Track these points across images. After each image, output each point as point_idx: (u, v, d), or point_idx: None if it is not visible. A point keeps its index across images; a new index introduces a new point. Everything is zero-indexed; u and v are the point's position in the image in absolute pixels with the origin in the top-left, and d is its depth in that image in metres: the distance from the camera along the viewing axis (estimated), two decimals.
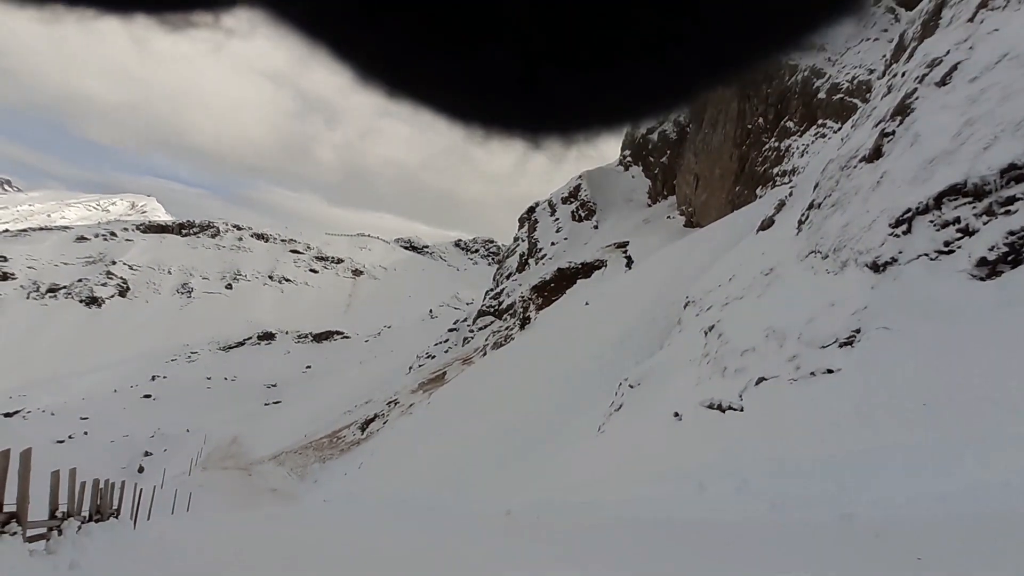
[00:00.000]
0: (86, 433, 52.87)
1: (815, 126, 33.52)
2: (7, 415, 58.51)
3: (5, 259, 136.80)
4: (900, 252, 8.11)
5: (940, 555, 3.90)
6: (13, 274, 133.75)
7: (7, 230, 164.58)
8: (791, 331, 9.22)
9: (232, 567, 7.01)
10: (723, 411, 9.65)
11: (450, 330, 67.09)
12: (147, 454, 46.84)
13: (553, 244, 58.26)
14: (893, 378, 6.90)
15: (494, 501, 12.62)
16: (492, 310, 59.32)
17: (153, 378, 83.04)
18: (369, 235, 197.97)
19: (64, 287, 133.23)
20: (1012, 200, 6.97)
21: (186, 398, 70.77)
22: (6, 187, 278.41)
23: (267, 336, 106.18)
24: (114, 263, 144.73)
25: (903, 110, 9.59)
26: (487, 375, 31.57)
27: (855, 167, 10.53)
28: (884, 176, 9.27)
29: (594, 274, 47.31)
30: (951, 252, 7.49)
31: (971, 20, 9.24)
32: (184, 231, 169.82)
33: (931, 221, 7.84)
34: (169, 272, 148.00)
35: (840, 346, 8.05)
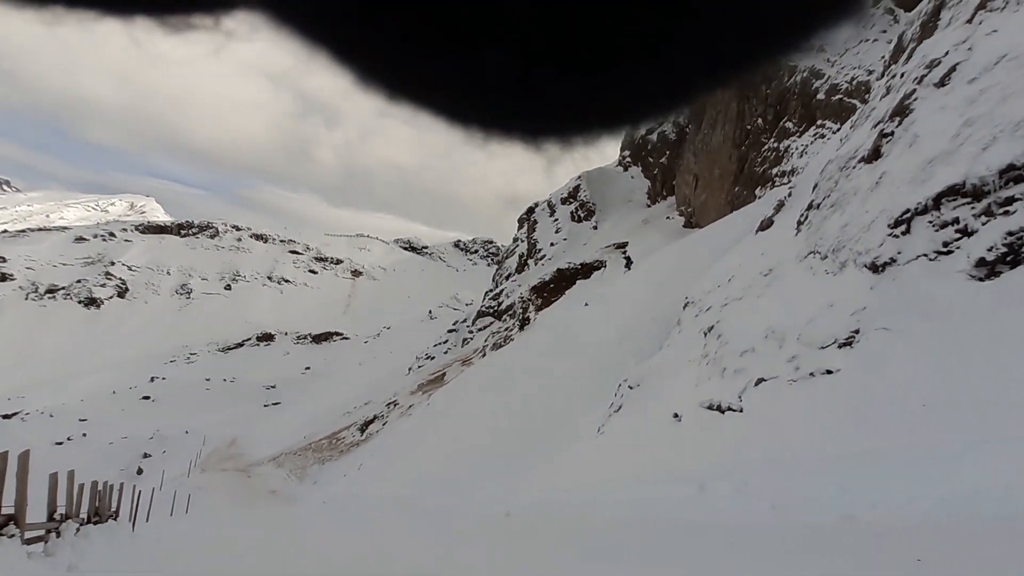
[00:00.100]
0: (84, 435, 52.79)
1: (814, 127, 33.56)
2: (5, 416, 58.40)
3: (4, 260, 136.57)
4: (899, 253, 8.11)
5: (940, 557, 3.89)
6: (12, 275, 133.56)
7: (6, 231, 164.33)
8: (790, 332, 9.22)
9: (231, 569, 6.99)
10: (722, 412, 9.64)
11: (449, 331, 67.08)
12: (146, 456, 46.76)
13: (552, 245, 58.27)
14: (892, 379, 6.89)
15: (493, 502, 12.61)
16: (491, 311, 59.30)
17: (152, 379, 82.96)
18: (368, 236, 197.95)
19: (63, 288, 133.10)
20: (1011, 200, 6.97)
21: (185, 399, 70.70)
22: (5, 188, 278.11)
23: (266, 337, 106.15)
24: (113, 264, 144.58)
25: (902, 111, 9.60)
26: (486, 376, 31.55)
27: (854, 168, 10.54)
28: (883, 177, 9.28)
29: (593, 275, 47.31)
30: (950, 253, 7.49)
31: (970, 21, 9.25)
32: (183, 232, 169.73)
33: (930, 222, 7.85)
34: (168, 273, 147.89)
35: (839, 347, 8.05)
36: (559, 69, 0.40)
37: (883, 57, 17.88)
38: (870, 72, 30.15)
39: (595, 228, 58.59)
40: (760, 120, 38.92)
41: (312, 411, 56.96)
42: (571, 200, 62.93)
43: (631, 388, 14.05)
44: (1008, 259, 6.79)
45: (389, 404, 45.41)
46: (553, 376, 23.03)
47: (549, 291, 47.11)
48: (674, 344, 14.77)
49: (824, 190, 11.42)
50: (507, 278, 62.55)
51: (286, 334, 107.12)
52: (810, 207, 11.96)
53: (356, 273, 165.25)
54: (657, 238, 46.29)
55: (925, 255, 7.74)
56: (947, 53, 9.19)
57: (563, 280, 47.33)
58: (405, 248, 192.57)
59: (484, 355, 45.12)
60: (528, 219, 65.51)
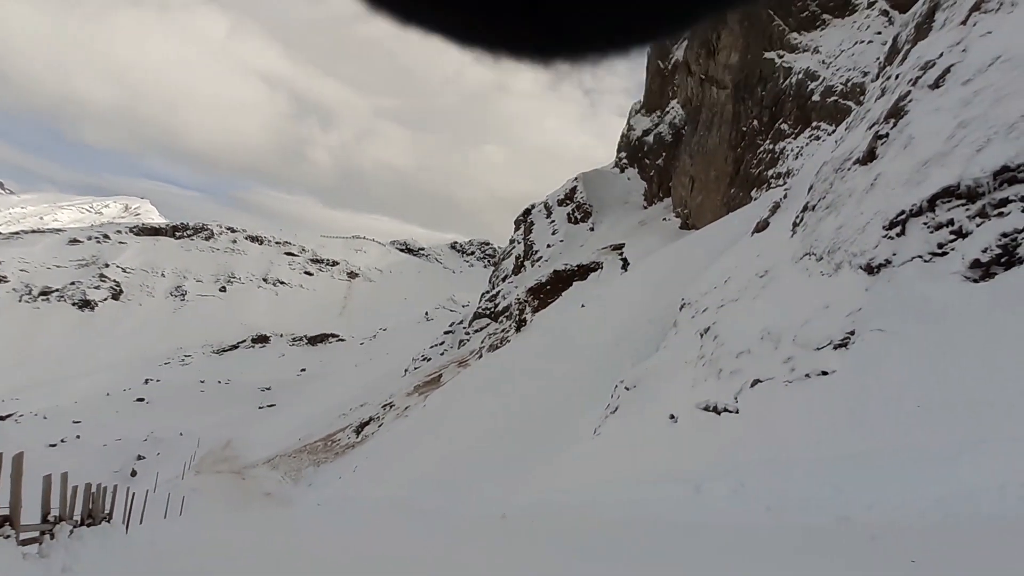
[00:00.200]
0: (78, 437, 52.46)
1: (809, 128, 33.71)
2: (0, 418, 57.98)
3: None
4: (894, 254, 8.14)
5: (935, 558, 3.90)
6: (5, 277, 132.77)
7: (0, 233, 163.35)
8: (786, 333, 9.23)
9: (225, 571, 6.94)
10: (719, 413, 9.65)
11: (446, 332, 67.01)
12: (140, 458, 46.48)
13: (549, 246, 58.33)
14: (888, 380, 6.91)
15: (489, 504, 12.58)
16: (488, 312, 59.28)
17: (146, 381, 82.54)
18: (364, 237, 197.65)
19: (57, 290, 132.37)
20: (1005, 202, 7.00)
21: (179, 401, 70.37)
22: None
23: (261, 339, 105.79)
24: (107, 266, 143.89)
25: (897, 112, 9.64)
26: (483, 378, 31.51)
27: (849, 169, 10.58)
28: (878, 178, 9.31)
29: (590, 276, 47.36)
30: (945, 254, 7.52)
31: (964, 23, 9.30)
32: (178, 233, 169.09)
33: (925, 223, 7.87)
34: (162, 275, 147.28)
35: (835, 348, 8.07)
36: None
37: (878, 59, 17.97)
38: (865, 74, 30.31)
39: (592, 230, 58.67)
40: (755, 122, 39.07)
41: (307, 413, 56.78)
42: (568, 201, 63.01)
43: (628, 389, 14.05)
44: (1002, 260, 6.82)
45: (385, 406, 45.31)
46: (550, 378, 23.02)
47: (546, 293, 47.14)
48: (670, 345, 14.78)
49: (819, 192, 11.46)
50: (504, 280, 62.54)
51: (281, 336, 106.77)
52: (805, 209, 11.99)
53: (352, 275, 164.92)
54: (654, 240, 46.39)
55: (920, 256, 7.76)
56: (941, 55, 9.24)
57: (560, 282, 47.38)
58: (401, 250, 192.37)
59: (481, 357, 45.08)
60: (524, 221, 65.56)
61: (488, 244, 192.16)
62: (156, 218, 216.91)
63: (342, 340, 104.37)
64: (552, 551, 6.72)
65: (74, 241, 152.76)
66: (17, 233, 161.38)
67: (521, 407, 21.64)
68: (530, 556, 6.55)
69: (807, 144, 33.18)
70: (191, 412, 63.92)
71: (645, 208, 60.55)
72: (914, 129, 8.91)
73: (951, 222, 7.53)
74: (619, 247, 48.78)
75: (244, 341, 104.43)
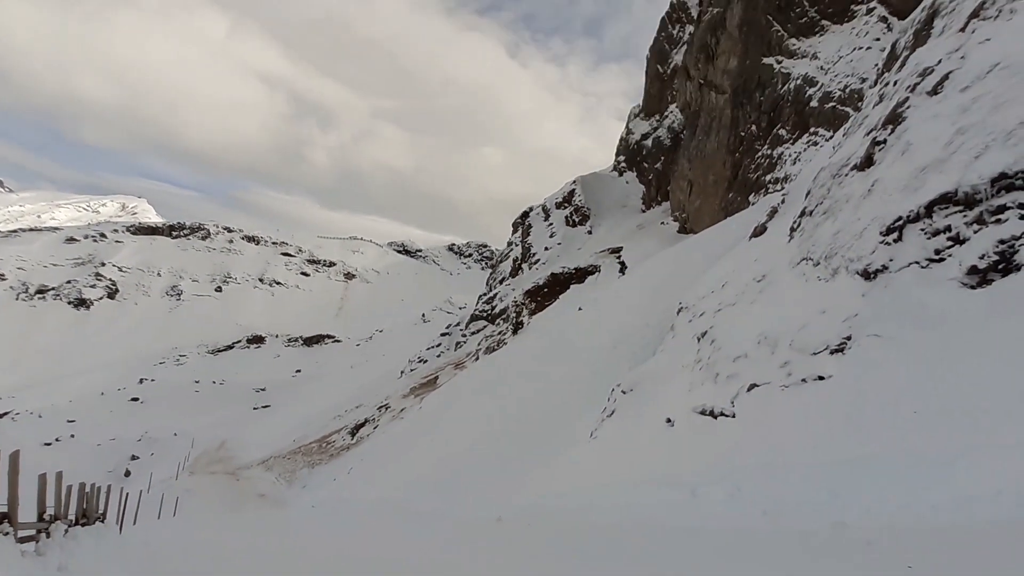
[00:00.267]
0: (73, 436, 52.20)
1: (807, 134, 33.82)
2: None
3: None
4: (891, 260, 8.15)
5: (931, 564, 3.89)
6: (2, 275, 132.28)
7: None
8: (783, 338, 9.25)
9: (219, 572, 6.91)
10: (715, 417, 9.65)
11: (443, 334, 66.94)
12: (134, 458, 46.28)
13: (547, 249, 58.36)
14: (884, 385, 6.92)
15: (485, 507, 12.54)
16: (485, 315, 59.24)
17: (141, 381, 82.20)
18: (362, 238, 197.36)
19: (53, 288, 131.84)
20: (1002, 209, 7.03)
21: (174, 401, 70.09)
22: None
23: (257, 339, 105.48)
24: (103, 265, 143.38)
25: (895, 119, 9.68)
26: (479, 380, 31.45)
27: (846, 175, 10.61)
28: (875, 184, 9.33)
29: (588, 279, 47.39)
30: (942, 260, 7.53)
31: (963, 30, 9.35)
32: (174, 233, 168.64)
33: (922, 229, 7.89)
34: (159, 274, 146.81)
35: (831, 353, 8.08)
36: None
37: (876, 65, 18.04)
38: (863, 80, 30.44)
39: (590, 233, 58.73)
40: (754, 127, 39.19)
41: (302, 414, 56.60)
42: (566, 204, 63.08)
43: (624, 393, 14.05)
44: (1000, 267, 6.84)
45: (381, 407, 45.19)
46: (546, 380, 23.00)
47: (543, 295, 47.15)
48: (668, 349, 14.79)
49: (817, 197, 11.49)
50: (501, 282, 62.54)
51: (277, 336, 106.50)
52: (803, 214, 12.02)
53: (349, 276, 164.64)
54: (651, 243, 46.45)
55: (917, 263, 7.78)
56: (940, 61, 9.28)
57: (557, 284, 47.40)
58: (399, 251, 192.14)
59: (477, 359, 45.02)
60: (523, 223, 65.61)
61: (486, 246, 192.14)
62: (153, 217, 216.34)
63: (338, 341, 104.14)
64: (548, 554, 6.70)
65: (71, 240, 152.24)
66: (14, 231, 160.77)
67: (518, 410, 21.60)
68: (526, 559, 6.53)
69: (805, 149, 33.28)
70: (186, 412, 63.67)
71: (643, 212, 60.65)
72: (912, 135, 8.94)
73: (948, 228, 7.55)
74: (617, 250, 48.84)
75: (239, 341, 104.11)
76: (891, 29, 31.09)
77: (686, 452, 9.52)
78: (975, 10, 9.29)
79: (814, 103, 33.84)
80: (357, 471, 28.69)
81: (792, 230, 12.38)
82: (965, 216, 7.40)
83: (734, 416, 9.21)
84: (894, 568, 3.95)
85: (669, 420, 10.99)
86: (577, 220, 60.69)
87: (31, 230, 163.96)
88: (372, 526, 12.22)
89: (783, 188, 23.57)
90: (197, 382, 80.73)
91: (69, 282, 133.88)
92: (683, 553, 5.54)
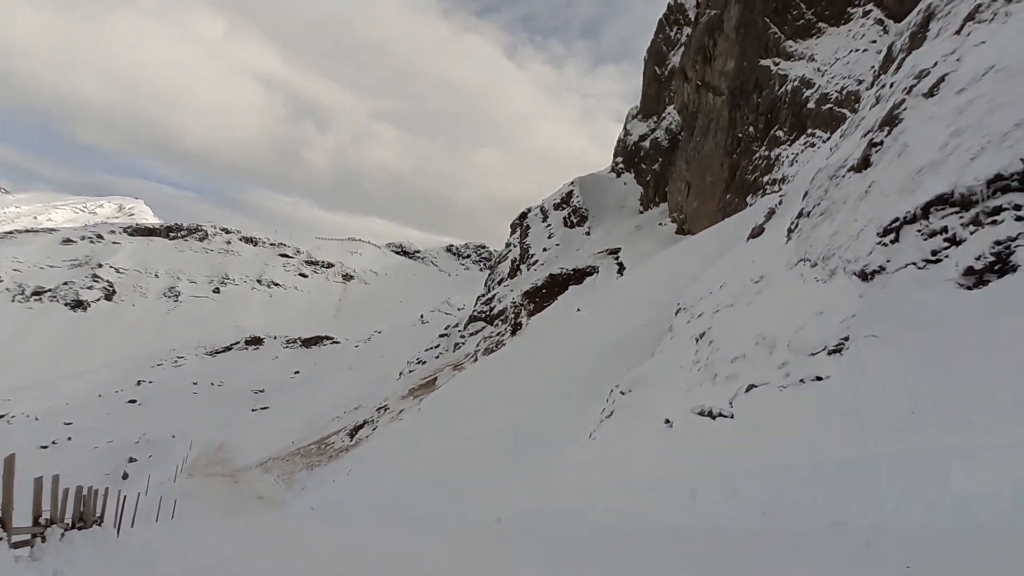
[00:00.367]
0: (70, 439, 52.02)
1: (804, 135, 33.92)
2: None
3: None
4: (888, 261, 8.18)
5: (929, 564, 3.91)
6: None
7: None
8: (781, 338, 9.27)
9: (217, 575, 6.89)
10: (714, 418, 9.67)
11: (441, 336, 66.90)
12: (132, 460, 46.14)
13: (545, 250, 58.38)
14: (881, 386, 6.94)
15: (484, 508, 12.54)
16: (483, 316, 59.21)
17: (139, 383, 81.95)
18: (360, 239, 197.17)
19: (49, 290, 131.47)
20: (998, 210, 7.06)
21: (172, 403, 69.91)
22: None
23: (255, 341, 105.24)
24: (100, 266, 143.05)
25: (891, 121, 9.72)
26: (478, 381, 31.45)
27: (843, 176, 10.64)
28: (872, 186, 9.37)
29: (586, 280, 47.42)
30: (938, 261, 7.56)
31: (958, 32, 9.40)
32: (172, 234, 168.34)
33: (918, 230, 7.92)
34: (156, 275, 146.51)
35: (829, 353, 8.10)
36: None
37: (873, 67, 18.12)
38: (860, 82, 30.55)
39: (588, 234, 58.77)
40: (751, 128, 39.29)
41: (301, 416, 56.52)
42: (564, 206, 63.12)
43: (623, 394, 14.06)
44: (996, 268, 6.87)
45: (380, 409, 45.14)
46: (545, 381, 23.00)
47: (542, 296, 47.17)
48: (666, 350, 14.81)
49: (814, 198, 11.52)
50: (499, 283, 62.54)
51: (275, 338, 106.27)
52: (800, 215, 12.05)
53: (347, 277, 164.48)
54: (649, 244, 46.52)
55: (914, 263, 7.81)
56: (936, 64, 9.32)
57: (556, 285, 47.42)
58: (397, 252, 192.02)
59: (476, 360, 45.02)
60: (521, 224, 65.64)
61: (484, 247, 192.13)
62: (150, 218, 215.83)
63: (336, 342, 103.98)
64: (547, 556, 6.70)
65: (67, 241, 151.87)
66: (11, 232, 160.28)
67: (516, 411, 21.60)
68: (525, 561, 6.53)
69: (802, 151, 33.38)
70: (183, 414, 63.51)
71: (641, 213, 60.73)
72: (908, 137, 8.98)
73: (945, 229, 7.58)
74: (615, 251, 48.89)
75: (237, 343, 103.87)
76: (887, 31, 31.21)
77: (685, 453, 9.53)
78: (970, 13, 9.34)
79: (811, 105, 33.94)
80: (356, 473, 28.65)
81: (790, 231, 12.41)
82: (961, 217, 7.43)
83: (732, 417, 9.23)
84: (892, 568, 3.96)
85: (668, 421, 11.01)
86: (575, 221, 60.73)
87: (27, 231, 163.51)
88: (371, 528, 12.21)
89: (780, 189, 23.63)
90: (195, 384, 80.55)
91: (66, 284, 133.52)
92: (682, 554, 5.55)
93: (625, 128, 72.13)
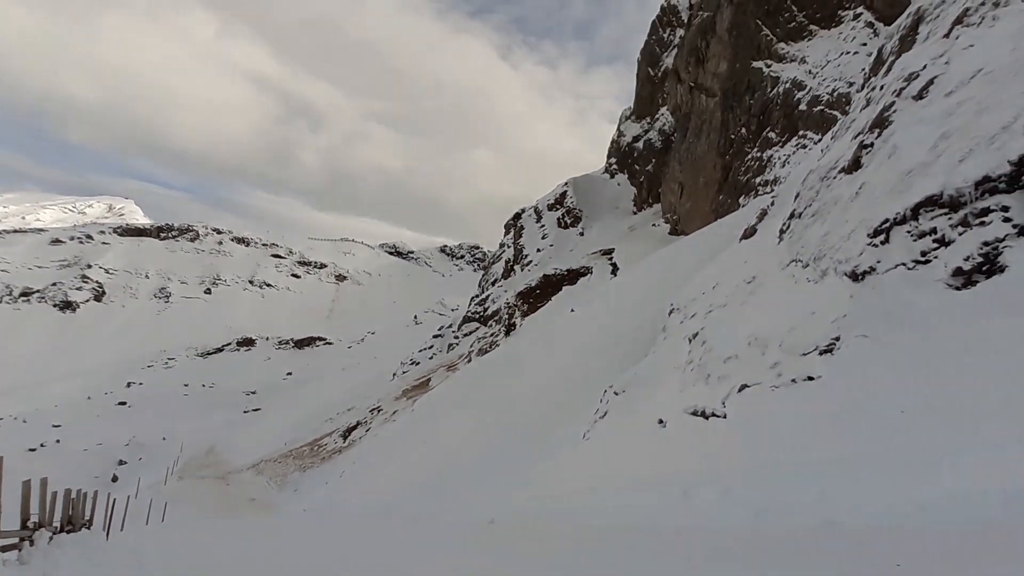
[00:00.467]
0: (58, 441, 51.49)
1: (796, 137, 34.16)
2: None
3: None
4: (878, 262, 8.25)
5: (919, 562, 3.94)
6: None
7: None
8: (773, 339, 9.32)
9: None
10: (707, 418, 9.71)
11: (435, 336, 66.77)
12: (121, 463, 45.72)
13: (539, 251, 58.42)
14: (872, 385, 6.99)
15: (478, 509, 12.52)
16: (477, 316, 59.16)
17: (128, 385, 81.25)
18: (353, 240, 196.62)
19: (38, 291, 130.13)
20: (986, 212, 7.14)
21: (162, 405, 69.36)
22: None
23: (247, 342, 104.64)
24: (90, 267, 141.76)
25: (881, 123, 9.80)
26: (472, 382, 31.41)
27: (834, 178, 10.73)
28: (863, 187, 9.45)
29: (580, 281, 47.50)
30: (928, 262, 7.64)
31: (947, 36, 9.50)
32: (163, 234, 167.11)
33: (908, 231, 7.99)
34: (146, 276, 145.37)
35: (820, 354, 8.15)
36: None
37: (863, 70, 18.28)
38: (850, 84, 30.80)
39: (581, 234, 58.88)
40: (744, 130, 39.51)
41: (293, 418, 56.21)
42: (558, 206, 63.20)
43: (617, 394, 14.09)
44: (984, 269, 6.95)
45: (373, 410, 44.99)
46: (539, 382, 23.02)
47: (535, 297, 47.20)
48: (659, 350, 14.86)
49: (805, 200, 11.60)
50: (493, 284, 62.52)
51: (267, 339, 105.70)
52: (792, 216, 12.13)
53: (340, 278, 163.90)
54: (643, 245, 46.67)
55: (904, 264, 7.88)
56: (925, 67, 9.42)
57: (549, 286, 47.47)
58: (390, 253, 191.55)
59: (470, 361, 44.96)
60: (515, 225, 65.66)
61: (478, 248, 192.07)
62: (140, 219, 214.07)
63: (329, 344, 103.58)
64: (541, 557, 6.70)
65: (56, 241, 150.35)
66: None
67: (510, 411, 21.59)
68: (519, 562, 6.53)
69: (794, 152, 33.60)
70: (174, 416, 63.01)
71: (635, 214, 60.93)
72: (898, 139, 9.06)
73: (934, 231, 7.65)
74: (609, 252, 49.01)
75: (229, 344, 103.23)
76: (877, 34, 31.49)
77: (678, 453, 9.56)
78: (959, 16, 9.44)
79: (803, 106, 34.18)
80: (349, 474, 28.53)
81: (781, 232, 12.49)
82: (950, 218, 7.51)
83: (725, 417, 9.27)
84: (883, 566, 3.99)
85: (661, 421, 11.04)
86: (569, 222, 60.82)
87: (15, 232, 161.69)
88: (364, 530, 12.16)
89: (772, 190, 23.77)
90: (186, 385, 79.96)
91: (55, 284, 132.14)
92: (675, 554, 5.57)
93: (619, 129, 72.35)
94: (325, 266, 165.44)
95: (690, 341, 12.55)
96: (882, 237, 8.32)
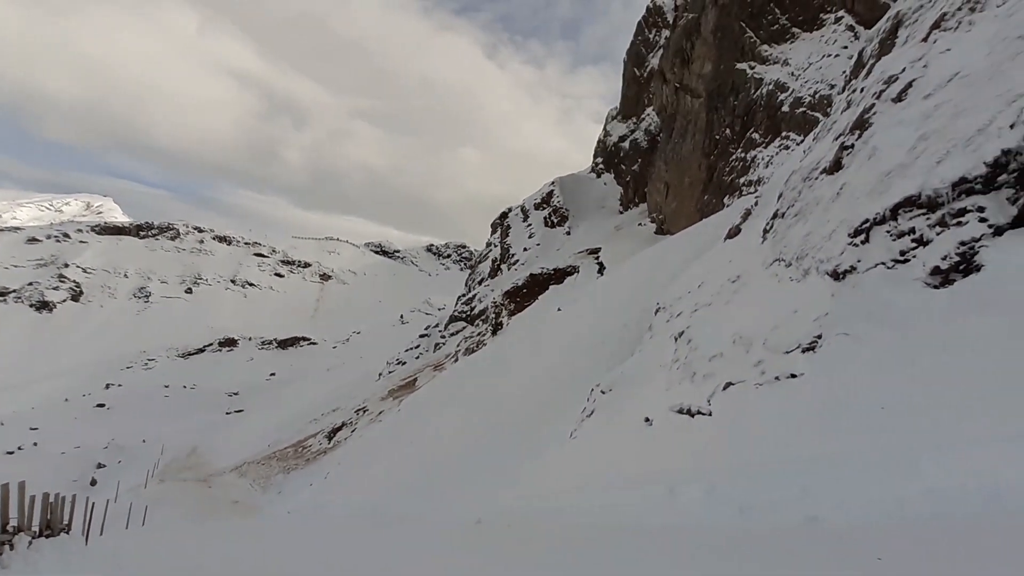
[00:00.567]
0: (36, 444, 50.39)
1: (779, 138, 34.60)
2: None
3: None
4: (859, 261, 8.39)
5: (899, 556, 4.02)
6: None
7: None
8: (757, 337, 9.43)
9: None
10: (692, 416, 9.79)
11: (421, 336, 66.50)
12: (100, 466, 44.88)
13: (526, 250, 58.46)
14: (853, 382, 7.11)
15: (465, 509, 12.50)
16: (464, 316, 59.04)
17: (107, 386, 79.73)
18: (338, 239, 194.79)
19: (14, 291, 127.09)
20: (963, 212, 7.30)
21: (142, 407, 68.20)
22: None
23: (229, 342, 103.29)
24: (67, 266, 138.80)
25: (861, 124, 9.97)
26: (458, 382, 31.34)
27: (816, 179, 10.88)
28: (843, 188, 9.59)
29: (566, 280, 47.62)
30: (907, 261, 7.78)
31: (925, 40, 9.68)
32: (142, 233, 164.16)
33: (888, 231, 8.13)
34: (125, 275, 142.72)
35: (803, 352, 8.27)
36: None
37: (844, 72, 18.55)
38: (832, 86, 31.27)
39: (568, 234, 59.03)
40: (728, 131, 39.92)
41: (277, 419, 55.62)
42: (544, 206, 63.29)
43: (603, 393, 14.15)
44: (961, 268, 7.10)
45: (358, 410, 44.70)
46: (526, 381, 23.03)
47: (522, 296, 47.24)
48: (646, 349, 14.95)
49: (788, 200, 11.75)
50: (480, 283, 62.44)
51: (250, 339, 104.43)
52: (775, 216, 12.28)
53: (325, 277, 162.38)
54: (629, 244, 46.93)
55: (883, 263, 8.02)
56: (904, 70, 9.59)
57: (536, 285, 47.54)
58: (376, 252, 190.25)
59: (456, 360, 44.86)
60: (501, 224, 65.63)
61: (464, 247, 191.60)
62: (119, 217, 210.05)
63: (314, 343, 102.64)
64: (528, 556, 6.71)
65: (32, 240, 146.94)
66: None
67: (497, 411, 21.58)
68: (506, 562, 6.53)
69: (777, 153, 34.03)
70: (154, 418, 61.99)
71: (621, 213, 61.26)
72: (878, 141, 9.22)
73: (912, 230, 7.80)
74: (595, 251, 49.21)
75: (211, 344, 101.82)
76: (858, 38, 32.01)
77: (664, 451, 9.63)
78: (936, 21, 9.63)
79: (785, 108, 34.63)
80: (334, 475, 28.30)
81: (765, 232, 12.64)
82: (928, 219, 7.66)
83: (710, 415, 9.36)
84: (864, 561, 4.06)
85: (647, 419, 11.11)
86: (556, 221, 60.95)
87: None
88: (349, 532, 12.07)
89: (756, 191, 24.05)
90: (167, 387, 78.69)
91: (31, 284, 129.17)
92: (661, 552, 5.61)
93: (605, 129, 72.67)
94: (309, 265, 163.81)
95: (676, 340, 12.65)
96: (862, 237, 8.45)
